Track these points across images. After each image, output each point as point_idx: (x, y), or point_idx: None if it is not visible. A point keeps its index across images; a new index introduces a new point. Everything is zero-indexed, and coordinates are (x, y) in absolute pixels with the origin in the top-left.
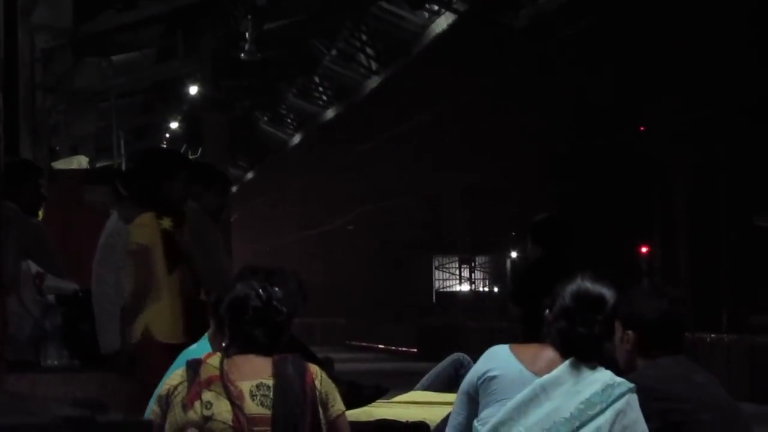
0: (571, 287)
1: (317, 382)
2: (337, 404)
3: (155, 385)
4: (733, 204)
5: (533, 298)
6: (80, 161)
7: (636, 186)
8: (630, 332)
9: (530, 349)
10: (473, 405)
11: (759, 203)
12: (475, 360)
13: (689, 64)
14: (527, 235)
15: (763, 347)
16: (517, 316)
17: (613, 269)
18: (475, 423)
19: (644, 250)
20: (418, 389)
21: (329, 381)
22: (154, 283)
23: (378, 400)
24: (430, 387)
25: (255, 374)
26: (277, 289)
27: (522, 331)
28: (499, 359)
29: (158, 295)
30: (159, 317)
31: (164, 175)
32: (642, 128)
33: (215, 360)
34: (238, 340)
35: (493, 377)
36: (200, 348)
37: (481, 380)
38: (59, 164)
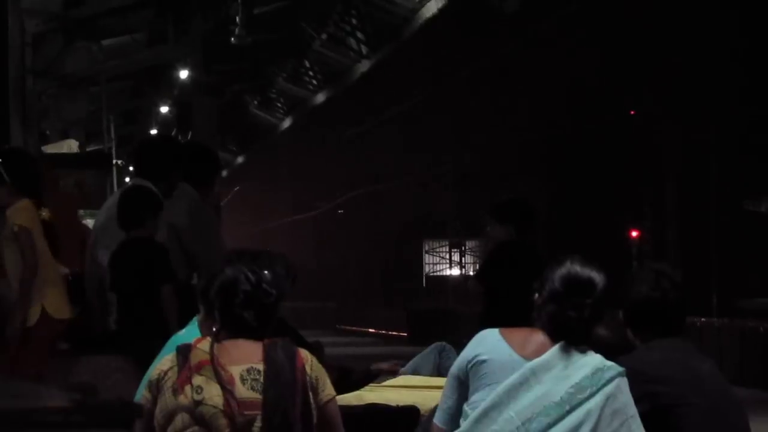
0: (561, 271)
1: (307, 367)
2: (328, 389)
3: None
4: (723, 188)
5: (501, 278)
6: (70, 145)
7: (627, 170)
8: (624, 313)
9: (520, 334)
10: (463, 389)
11: (749, 187)
12: (458, 348)
13: (679, 47)
14: (489, 217)
15: (753, 331)
16: (480, 296)
17: (593, 252)
18: (465, 407)
19: (635, 234)
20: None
21: (319, 366)
22: (42, 262)
23: (368, 384)
24: (414, 373)
25: (245, 359)
26: (266, 272)
27: (485, 312)
28: (488, 343)
29: (48, 274)
30: (53, 295)
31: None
32: (632, 112)
33: (205, 345)
34: (228, 325)
35: (483, 361)
36: (189, 333)
37: (471, 364)
38: (50, 148)
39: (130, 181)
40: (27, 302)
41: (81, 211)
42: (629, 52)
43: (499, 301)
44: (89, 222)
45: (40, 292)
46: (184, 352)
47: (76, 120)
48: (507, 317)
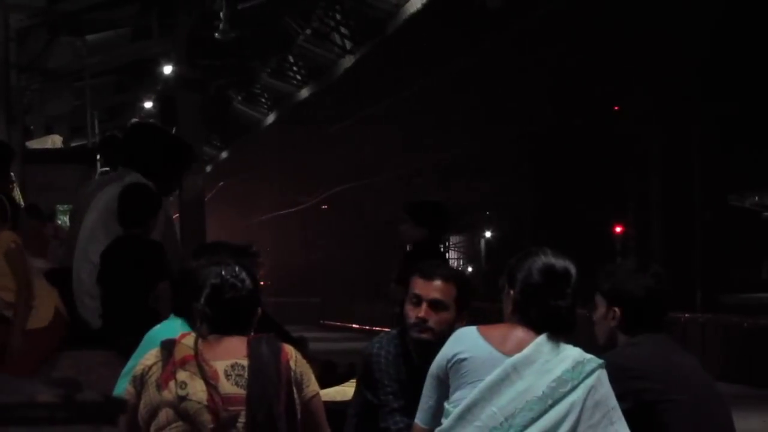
0: (536, 264)
1: (292, 363)
2: (312, 385)
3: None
4: (707, 184)
5: None
6: (54, 140)
7: (611, 166)
8: (616, 309)
9: (498, 330)
10: (443, 388)
11: (733, 183)
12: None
13: (663, 43)
14: (406, 216)
15: (736, 327)
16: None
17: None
18: (447, 405)
19: (619, 229)
20: None
21: (304, 362)
22: (33, 274)
23: (352, 379)
24: None
25: (230, 354)
26: (246, 268)
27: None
28: (467, 341)
29: (37, 284)
30: (44, 305)
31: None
32: (616, 107)
33: (190, 340)
34: (212, 320)
35: (463, 359)
36: (164, 329)
37: (450, 363)
38: (33, 143)
39: (114, 171)
40: (24, 322)
41: (64, 206)
42: (613, 47)
43: None
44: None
45: (50, 295)
46: (168, 347)
47: (60, 115)
48: None
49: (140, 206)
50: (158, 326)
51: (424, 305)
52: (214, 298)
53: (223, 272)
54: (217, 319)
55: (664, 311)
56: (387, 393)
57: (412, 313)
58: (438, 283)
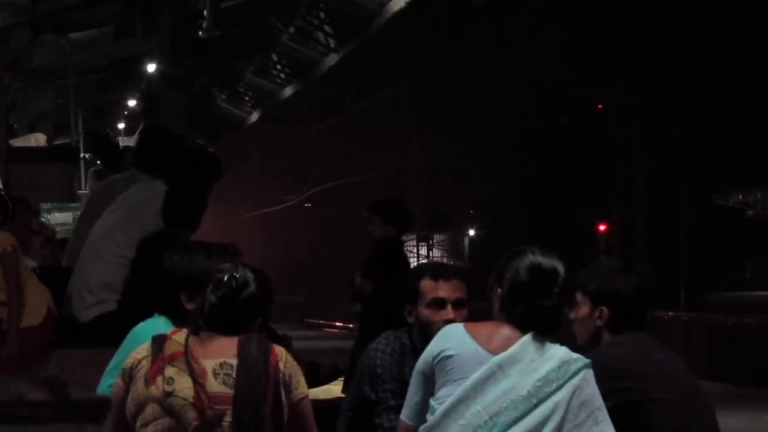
0: (524, 262)
1: (281, 364)
2: (301, 387)
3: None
4: (691, 182)
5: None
6: (38, 139)
7: (595, 164)
8: (604, 308)
9: (485, 328)
10: (429, 384)
11: (718, 182)
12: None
13: (648, 42)
14: (373, 215)
15: (720, 325)
16: (368, 293)
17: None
18: (432, 402)
19: (602, 227)
20: None
21: (294, 363)
22: (27, 275)
23: (336, 379)
24: None
25: (219, 353)
26: (249, 268)
27: (366, 312)
28: (454, 339)
29: (29, 282)
30: (36, 302)
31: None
32: (600, 106)
33: (180, 336)
34: (205, 318)
35: (449, 356)
36: (148, 326)
37: (436, 360)
38: (17, 142)
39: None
40: (17, 325)
41: (48, 204)
42: (598, 46)
43: (387, 299)
44: (57, 215)
45: (43, 293)
46: (159, 342)
47: (44, 113)
48: (392, 315)
49: (186, 205)
50: (142, 324)
51: (449, 307)
52: (228, 297)
53: (236, 273)
54: (221, 318)
55: (644, 310)
56: (386, 390)
57: (437, 317)
58: (457, 282)
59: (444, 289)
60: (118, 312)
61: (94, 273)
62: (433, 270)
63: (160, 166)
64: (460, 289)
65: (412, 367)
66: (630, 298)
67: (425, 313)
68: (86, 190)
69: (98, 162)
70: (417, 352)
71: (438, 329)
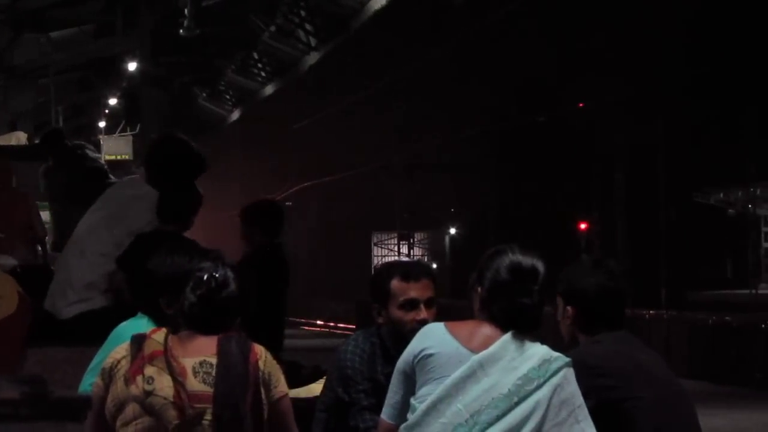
0: (504, 261)
1: (261, 363)
2: (281, 386)
3: None
4: (672, 181)
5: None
6: (19, 137)
7: (575, 162)
8: (569, 308)
9: (466, 327)
10: (410, 383)
11: (698, 180)
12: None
13: (628, 40)
14: (250, 221)
15: (701, 324)
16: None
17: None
18: (413, 401)
19: (583, 226)
20: None
21: (273, 362)
22: None
23: (317, 381)
24: None
25: (199, 351)
26: (229, 267)
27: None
28: (434, 337)
29: None
30: (5, 293)
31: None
32: (581, 105)
33: (160, 335)
34: (185, 317)
35: (430, 355)
36: (131, 325)
37: (417, 359)
38: None
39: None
40: None
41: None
42: (578, 44)
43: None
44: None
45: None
46: (138, 341)
47: (25, 112)
48: (267, 316)
49: (182, 202)
50: (124, 323)
51: (422, 306)
52: (207, 297)
53: (215, 272)
54: (200, 317)
55: (620, 308)
56: (359, 391)
57: (410, 317)
58: (426, 281)
59: (415, 289)
60: (104, 310)
61: (78, 271)
62: (403, 270)
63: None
64: (430, 288)
65: (383, 366)
66: (592, 297)
67: (397, 313)
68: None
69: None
70: (387, 351)
71: (411, 329)
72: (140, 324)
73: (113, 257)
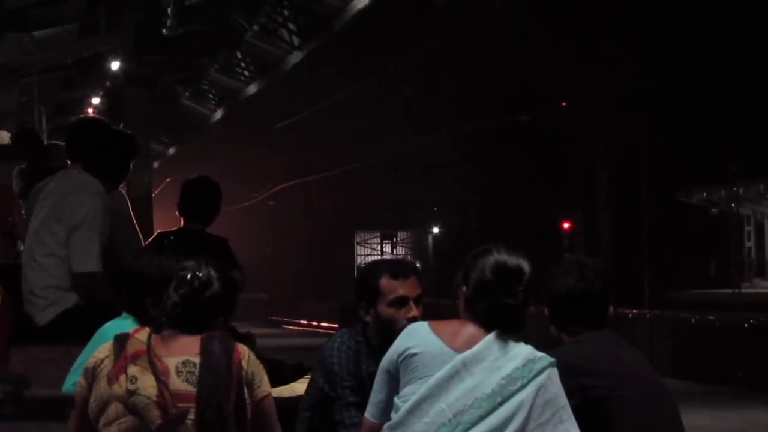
0: (489, 261)
1: (244, 362)
2: (264, 385)
3: None
4: (655, 180)
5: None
6: (2, 137)
7: (559, 162)
8: (545, 309)
9: (450, 326)
10: (394, 382)
11: (682, 179)
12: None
13: (611, 38)
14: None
15: (684, 323)
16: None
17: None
18: (397, 400)
19: (567, 225)
20: None
21: (257, 362)
22: None
23: (300, 379)
24: None
25: (182, 351)
26: (212, 267)
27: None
28: (418, 336)
29: None
30: None
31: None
32: (563, 104)
33: (143, 335)
34: (168, 317)
35: (414, 354)
36: (115, 325)
37: (401, 358)
38: None
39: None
40: None
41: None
42: (561, 43)
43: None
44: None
45: None
46: (121, 341)
47: (7, 111)
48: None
49: (203, 201)
50: (109, 323)
51: (412, 303)
52: (190, 296)
53: (198, 272)
54: (183, 317)
55: (598, 309)
56: (344, 387)
57: (401, 315)
58: (413, 278)
59: (404, 287)
60: (77, 307)
61: (35, 278)
62: (392, 268)
63: (77, 153)
64: (418, 286)
65: (367, 365)
66: (564, 299)
67: (388, 311)
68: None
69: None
70: (372, 349)
71: (402, 327)
72: (125, 324)
73: (62, 256)
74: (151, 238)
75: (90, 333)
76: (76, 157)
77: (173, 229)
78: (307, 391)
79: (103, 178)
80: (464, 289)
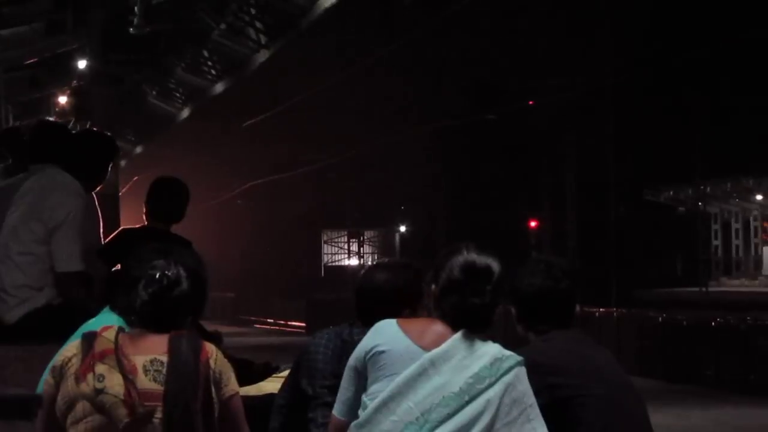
0: (458, 260)
1: (212, 361)
2: (231, 384)
3: None
4: (622, 179)
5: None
6: None
7: (525, 160)
8: (511, 308)
9: (418, 324)
10: (361, 380)
11: (649, 178)
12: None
13: (578, 37)
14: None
15: (651, 321)
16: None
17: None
18: (364, 397)
19: (533, 224)
20: None
21: (224, 360)
22: None
23: (268, 378)
24: None
25: (150, 349)
26: (181, 265)
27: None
28: (386, 334)
29: None
30: None
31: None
32: (531, 102)
33: (111, 333)
34: (137, 315)
35: (381, 352)
36: (99, 322)
37: (369, 355)
38: None
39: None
40: None
41: None
42: (529, 42)
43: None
44: None
45: None
46: (89, 339)
47: None
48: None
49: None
50: (93, 320)
51: None
52: (159, 295)
53: (167, 271)
54: (151, 315)
55: (564, 308)
56: (323, 386)
57: None
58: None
59: None
60: (48, 307)
61: (9, 276)
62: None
63: (54, 155)
64: None
65: None
66: (528, 298)
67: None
68: None
69: (7, 157)
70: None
71: None
72: (110, 319)
73: (38, 254)
74: (113, 235)
75: (59, 332)
76: (48, 159)
77: (137, 226)
78: (283, 386)
79: (83, 180)
80: (433, 287)
